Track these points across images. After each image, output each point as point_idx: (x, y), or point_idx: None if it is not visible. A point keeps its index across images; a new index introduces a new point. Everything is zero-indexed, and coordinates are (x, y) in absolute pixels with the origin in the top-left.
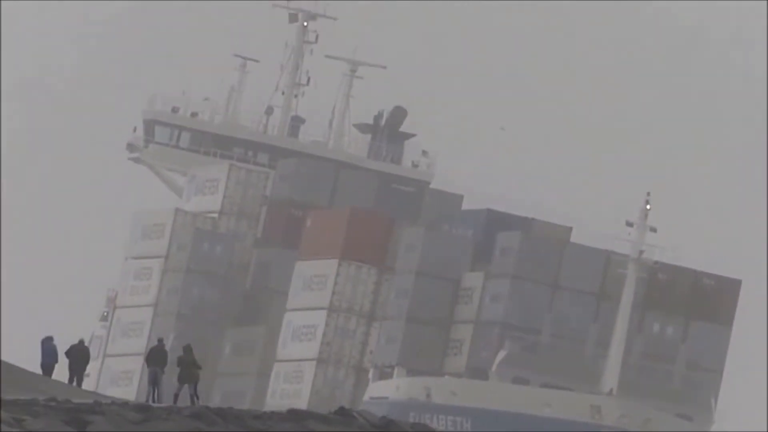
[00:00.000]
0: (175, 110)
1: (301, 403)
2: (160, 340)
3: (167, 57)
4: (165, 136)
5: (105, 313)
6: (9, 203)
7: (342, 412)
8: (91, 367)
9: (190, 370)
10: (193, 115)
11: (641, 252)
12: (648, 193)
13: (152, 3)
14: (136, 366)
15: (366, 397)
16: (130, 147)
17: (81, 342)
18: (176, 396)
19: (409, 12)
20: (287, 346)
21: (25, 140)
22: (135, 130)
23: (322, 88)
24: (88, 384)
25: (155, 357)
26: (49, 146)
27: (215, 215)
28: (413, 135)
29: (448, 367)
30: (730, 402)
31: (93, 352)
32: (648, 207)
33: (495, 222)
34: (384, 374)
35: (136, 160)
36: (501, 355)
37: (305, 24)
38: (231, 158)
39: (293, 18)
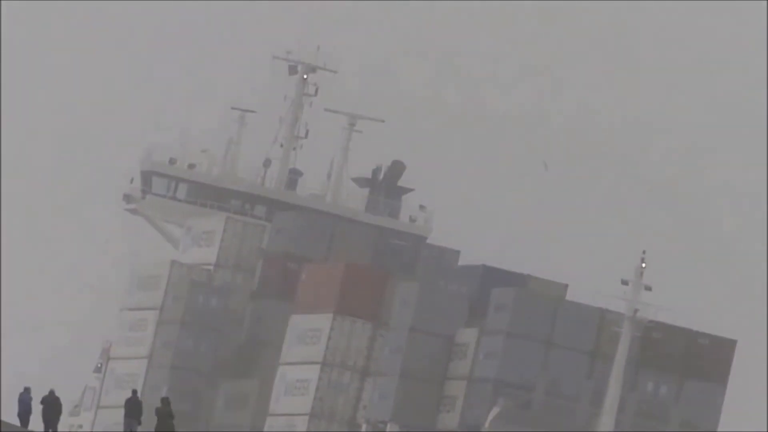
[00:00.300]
0: (172, 161)
1: None
2: (134, 392)
3: (165, 108)
4: (162, 188)
5: (99, 365)
6: (5, 249)
7: None
8: (85, 419)
9: (166, 421)
10: (191, 166)
11: (636, 311)
12: (643, 252)
13: (150, 53)
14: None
15: None
16: (127, 198)
17: (51, 392)
18: None
19: (409, 66)
20: (280, 400)
21: (22, 186)
22: (132, 181)
23: (320, 141)
24: None
25: (130, 408)
26: (46, 195)
27: (211, 267)
28: (411, 189)
29: (441, 423)
30: None
31: (86, 403)
32: (643, 265)
33: (490, 278)
34: (377, 429)
35: (133, 212)
36: (494, 411)
37: (305, 77)
38: (228, 210)
39: (293, 70)
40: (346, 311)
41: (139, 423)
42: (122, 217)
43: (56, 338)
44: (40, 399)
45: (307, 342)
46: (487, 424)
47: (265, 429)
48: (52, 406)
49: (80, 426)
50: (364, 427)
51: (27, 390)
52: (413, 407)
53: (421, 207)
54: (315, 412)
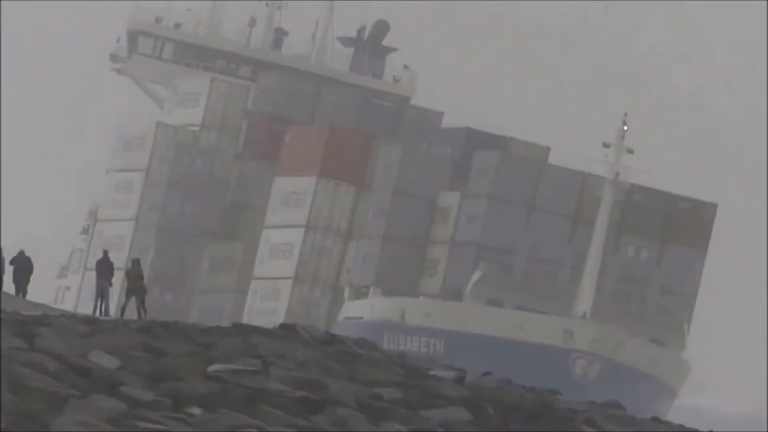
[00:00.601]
0: (158, 21)
1: (278, 321)
2: (105, 252)
3: None
4: (148, 47)
5: (86, 227)
6: None
7: (286, 327)
8: (72, 281)
9: (137, 283)
10: (177, 26)
11: (617, 174)
12: (625, 114)
13: None
14: (116, 280)
15: (341, 317)
16: (113, 57)
17: (21, 252)
18: (123, 309)
19: None
20: (264, 263)
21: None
22: (118, 40)
23: (306, 1)
24: (69, 297)
25: (101, 269)
26: (30, 55)
27: (196, 128)
28: (395, 49)
29: (423, 287)
30: (703, 327)
31: (74, 265)
32: (625, 128)
33: (473, 141)
34: (360, 294)
35: (119, 71)
36: (476, 276)
37: None
38: (213, 70)
39: None
40: (330, 174)
41: (111, 284)
42: (108, 77)
43: (43, 199)
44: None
45: (290, 205)
46: (468, 288)
47: (250, 292)
48: (22, 268)
49: (67, 288)
50: (346, 291)
51: None
52: (396, 271)
53: (405, 67)
54: (298, 275)
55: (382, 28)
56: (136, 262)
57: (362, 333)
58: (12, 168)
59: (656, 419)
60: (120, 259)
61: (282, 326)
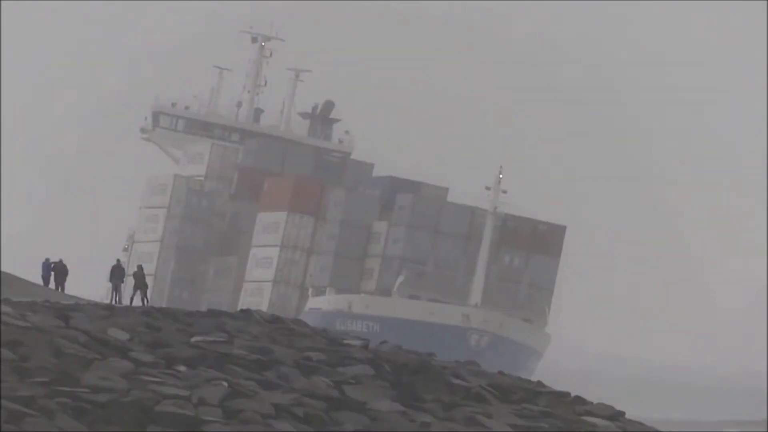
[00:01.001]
0: (173, 104)
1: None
2: (119, 261)
3: (167, 68)
4: (167, 123)
5: (126, 246)
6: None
7: (244, 311)
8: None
9: (141, 281)
10: (186, 107)
11: (496, 208)
12: (501, 166)
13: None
14: (149, 283)
15: (306, 308)
16: (143, 131)
17: (60, 261)
18: (132, 299)
19: (341, 30)
20: (252, 271)
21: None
22: (146, 119)
23: (276, 88)
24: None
25: (116, 273)
26: (84, 132)
27: (202, 178)
28: (339, 120)
29: (363, 287)
30: (558, 309)
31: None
32: (501, 176)
33: (395, 185)
34: (319, 292)
35: (147, 140)
36: (400, 279)
37: (263, 44)
38: (213, 138)
39: (254, 40)
40: (296, 210)
41: (123, 282)
42: (140, 144)
43: (95, 228)
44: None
45: (269, 231)
46: (395, 287)
47: (242, 291)
48: (61, 271)
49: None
50: (310, 291)
51: (47, 260)
52: (344, 276)
53: (346, 132)
54: (277, 279)
55: (329, 105)
56: (140, 267)
57: (322, 320)
58: (72, 206)
59: (501, 373)
60: (150, 269)
61: (241, 311)
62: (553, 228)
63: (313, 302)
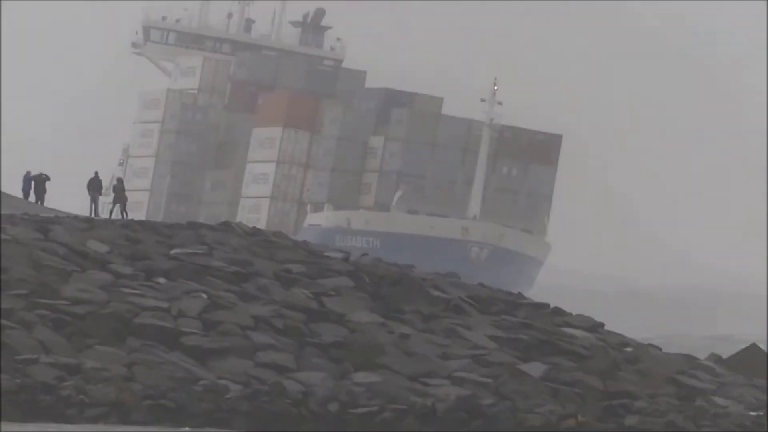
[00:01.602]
0: (164, 18)
1: (260, 227)
2: (96, 173)
3: None
4: (158, 37)
5: (121, 161)
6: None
7: (224, 223)
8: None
9: (120, 195)
10: (177, 20)
11: (492, 119)
12: (495, 78)
13: None
14: (144, 198)
15: (305, 224)
16: (134, 45)
17: (40, 174)
18: (111, 212)
19: None
20: (249, 187)
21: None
22: (137, 33)
23: None
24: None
25: (93, 185)
26: (79, 46)
27: (195, 92)
28: (330, 27)
29: (362, 202)
30: (556, 219)
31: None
32: (495, 88)
33: (390, 97)
34: (317, 208)
35: (139, 54)
36: (398, 194)
37: None
38: (204, 50)
39: None
40: (291, 125)
41: (101, 194)
42: (131, 58)
43: (88, 140)
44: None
45: (265, 146)
46: (394, 202)
47: (239, 207)
48: (40, 184)
49: (110, 203)
50: (308, 207)
51: (27, 173)
52: (342, 192)
53: (338, 39)
54: (274, 194)
55: (320, 13)
56: (119, 180)
57: (321, 236)
58: (65, 119)
59: (481, 284)
60: (146, 184)
61: (221, 223)
62: (550, 137)
63: (312, 218)
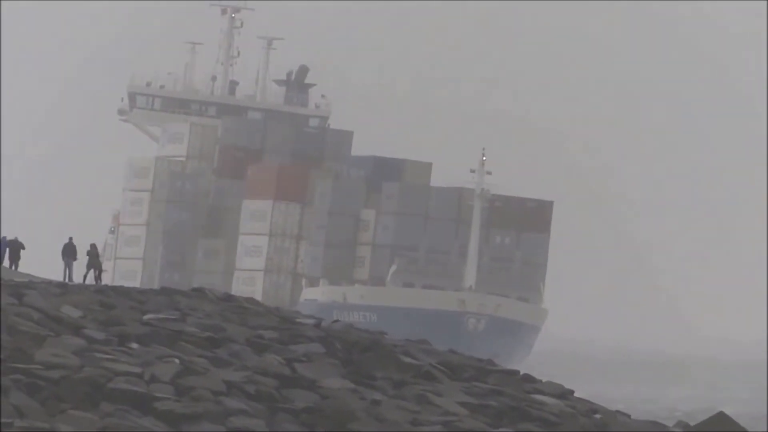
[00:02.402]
0: (148, 84)
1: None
2: (71, 239)
3: (140, 47)
4: (143, 103)
5: (112, 228)
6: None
7: (196, 289)
8: (107, 266)
9: (94, 260)
10: (161, 86)
11: (482, 189)
12: (483, 149)
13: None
14: (138, 266)
15: (302, 299)
16: (120, 111)
17: (15, 239)
18: (85, 277)
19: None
20: (242, 260)
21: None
22: (122, 100)
23: (249, 58)
24: (106, 278)
25: (68, 251)
26: (62, 115)
27: (183, 158)
28: (314, 84)
29: (356, 276)
30: (552, 285)
31: (108, 254)
32: (484, 158)
33: (379, 165)
34: (313, 282)
35: (125, 121)
36: (393, 267)
37: (233, 15)
38: (190, 113)
39: (224, 11)
40: (282, 198)
41: (76, 259)
42: (118, 126)
43: (78, 209)
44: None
45: (256, 219)
46: (389, 276)
47: (234, 279)
48: (15, 249)
49: (104, 270)
50: (304, 281)
51: (4, 238)
52: (336, 266)
53: (323, 96)
54: (268, 268)
55: (303, 70)
56: (93, 246)
57: (318, 311)
58: (52, 187)
59: (452, 351)
60: (139, 252)
61: (194, 289)
62: (541, 204)
63: (308, 293)
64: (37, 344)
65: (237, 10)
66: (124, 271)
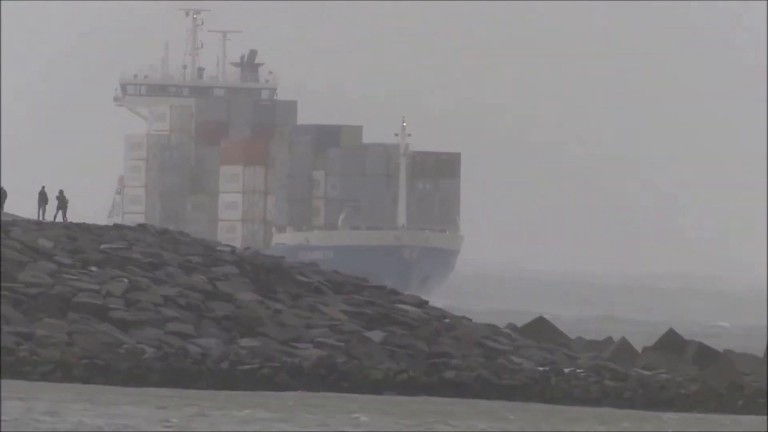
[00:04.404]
0: (135, 75)
1: (237, 244)
2: (43, 187)
3: (129, 46)
4: (133, 90)
5: (118, 189)
6: (48, 142)
7: (141, 225)
8: (117, 219)
9: (62, 202)
10: (146, 76)
11: (405, 148)
12: (403, 117)
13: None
14: (141, 219)
15: (273, 243)
16: (116, 99)
17: (61, 191)
18: (55, 216)
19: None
20: (224, 212)
21: (53, 99)
22: (116, 89)
23: (210, 48)
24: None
25: (41, 197)
26: (70, 104)
27: (167, 133)
28: (262, 64)
29: (315, 223)
30: (466, 217)
31: (116, 210)
32: (405, 124)
33: (322, 132)
34: (281, 230)
35: (120, 105)
36: (342, 215)
37: (195, 16)
38: (169, 96)
39: (187, 13)
40: (250, 163)
41: (47, 201)
42: (115, 109)
43: (90, 174)
44: None
45: (231, 181)
46: (340, 222)
47: (218, 229)
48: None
49: (113, 222)
50: (274, 229)
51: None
52: (298, 216)
53: (270, 72)
54: (244, 218)
55: (253, 53)
56: (61, 192)
57: (287, 251)
58: (65, 160)
59: (335, 271)
60: (140, 209)
61: (139, 225)
62: (451, 156)
63: (278, 238)
64: (20, 268)
65: (198, 12)
66: (130, 223)
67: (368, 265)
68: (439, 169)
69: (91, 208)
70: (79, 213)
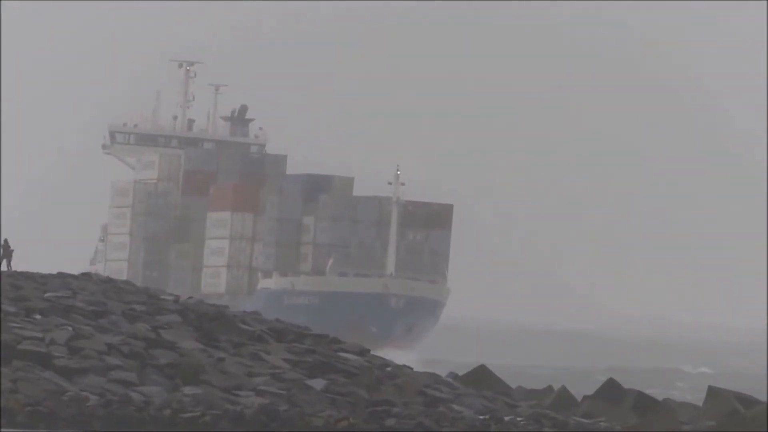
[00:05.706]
0: (125, 124)
1: (221, 290)
2: (6, 240)
3: (116, 95)
4: (122, 139)
5: (101, 237)
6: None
7: (85, 274)
8: (99, 267)
9: (7, 252)
10: (135, 125)
11: (398, 197)
12: (398, 165)
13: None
14: (124, 266)
15: (259, 288)
16: (104, 146)
17: (6, 240)
18: None
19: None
20: (209, 258)
21: (43, 144)
22: (105, 137)
23: (201, 101)
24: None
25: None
26: (57, 150)
27: (155, 181)
28: (253, 119)
29: (301, 269)
30: (454, 271)
31: (99, 258)
32: (398, 172)
33: (311, 180)
34: (267, 275)
35: (108, 154)
36: (330, 261)
37: (187, 68)
38: (158, 146)
39: (180, 65)
40: (238, 209)
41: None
42: (103, 157)
43: (73, 223)
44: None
45: (219, 227)
46: (328, 268)
47: (203, 274)
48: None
49: (96, 270)
50: (260, 274)
51: None
52: (285, 261)
53: (260, 128)
54: (229, 264)
55: (243, 108)
56: (6, 241)
57: (272, 296)
58: (50, 209)
59: (278, 320)
60: (123, 256)
61: (83, 274)
62: (443, 207)
63: (264, 283)
64: None
65: (191, 64)
66: (113, 270)
67: (354, 312)
68: (432, 219)
69: (73, 254)
70: (60, 261)
